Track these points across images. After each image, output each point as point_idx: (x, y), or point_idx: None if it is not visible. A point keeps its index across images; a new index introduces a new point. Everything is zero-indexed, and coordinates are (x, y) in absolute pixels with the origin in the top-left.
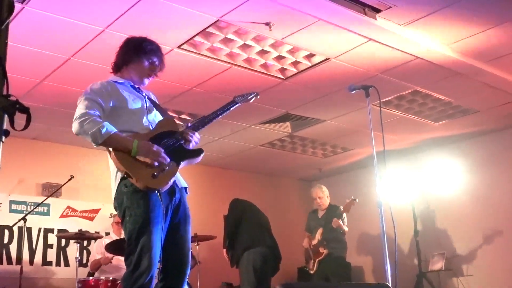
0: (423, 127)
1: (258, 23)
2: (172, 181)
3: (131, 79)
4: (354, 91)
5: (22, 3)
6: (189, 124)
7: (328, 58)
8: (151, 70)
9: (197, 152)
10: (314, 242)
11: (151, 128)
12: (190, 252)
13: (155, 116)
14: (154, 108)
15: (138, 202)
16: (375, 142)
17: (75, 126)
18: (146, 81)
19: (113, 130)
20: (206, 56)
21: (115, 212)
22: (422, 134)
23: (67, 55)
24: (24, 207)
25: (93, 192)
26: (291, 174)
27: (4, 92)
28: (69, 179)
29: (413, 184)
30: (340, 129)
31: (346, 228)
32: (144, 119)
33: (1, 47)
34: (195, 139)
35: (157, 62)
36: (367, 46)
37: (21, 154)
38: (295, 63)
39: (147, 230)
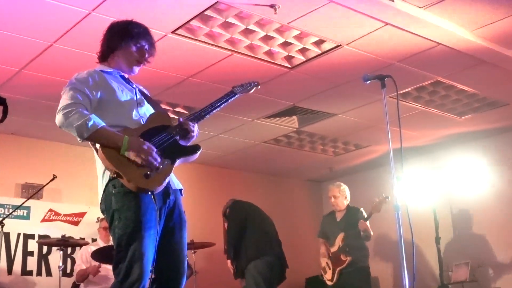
0: (445, 121)
1: (261, 5)
2: (166, 181)
3: (120, 68)
4: (369, 81)
5: None
6: (181, 119)
7: (340, 45)
8: (140, 55)
9: (194, 148)
10: (334, 249)
11: (142, 123)
12: (186, 261)
13: (147, 110)
14: (145, 101)
15: (129, 205)
16: (391, 139)
17: (58, 118)
18: (136, 69)
19: (101, 123)
20: (204, 42)
21: (102, 216)
22: (444, 130)
23: (49, 40)
24: (1, 210)
25: (78, 193)
26: (298, 174)
27: None
28: (52, 179)
29: (434, 185)
30: (352, 124)
31: (372, 232)
32: (135, 112)
33: None
34: (196, 131)
35: (146, 46)
36: (383, 31)
37: None
38: (303, 50)
39: (139, 236)
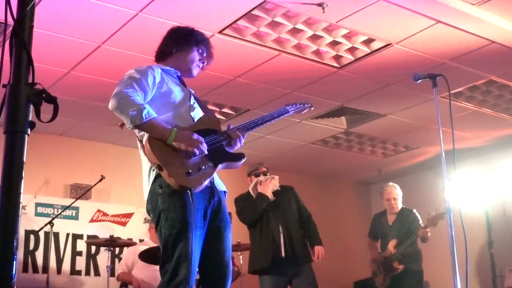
0: (499, 122)
1: (309, 4)
2: (206, 182)
3: (179, 68)
4: (420, 80)
5: None
6: (231, 126)
7: (390, 44)
8: (200, 60)
9: (238, 156)
10: (386, 254)
11: (193, 123)
12: (231, 262)
13: (198, 114)
14: (198, 106)
15: (175, 205)
16: (443, 140)
17: (112, 102)
18: (195, 71)
19: (154, 114)
20: (251, 42)
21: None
22: (498, 131)
23: (98, 42)
24: (50, 210)
25: (126, 194)
26: (347, 176)
27: (30, 80)
28: (100, 180)
29: (487, 188)
30: (402, 124)
31: (429, 234)
32: (186, 114)
33: (26, 31)
34: (242, 141)
35: (205, 54)
36: (434, 29)
37: (47, 151)
38: (351, 50)
39: (185, 236)
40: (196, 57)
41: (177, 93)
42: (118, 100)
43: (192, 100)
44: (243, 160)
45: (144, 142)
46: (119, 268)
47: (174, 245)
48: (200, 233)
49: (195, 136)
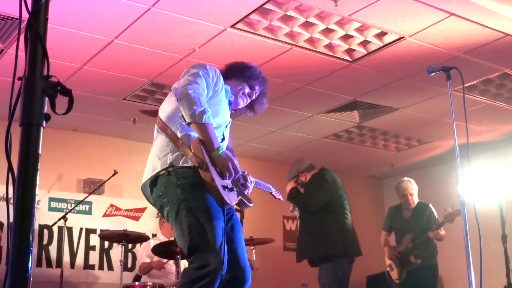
0: None
1: None
2: (233, 203)
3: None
4: (433, 73)
5: None
6: (245, 172)
7: (403, 37)
8: (248, 95)
9: (249, 200)
10: (401, 248)
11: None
12: (248, 266)
13: (227, 136)
14: (228, 134)
15: (198, 195)
16: (457, 134)
17: (184, 91)
18: (241, 103)
19: (211, 122)
20: (263, 36)
21: None
22: (511, 125)
23: (110, 37)
24: (64, 205)
25: (139, 189)
26: (359, 170)
27: (45, 73)
28: (113, 175)
29: (501, 182)
30: (416, 118)
31: (443, 232)
32: (221, 131)
33: (41, 24)
34: (250, 188)
35: (256, 91)
36: (448, 22)
37: (61, 146)
38: (364, 43)
39: (212, 224)
40: (246, 90)
41: (224, 111)
42: (190, 93)
43: (229, 126)
44: (248, 207)
45: (190, 142)
46: (140, 261)
47: (201, 233)
48: (223, 224)
49: (236, 164)
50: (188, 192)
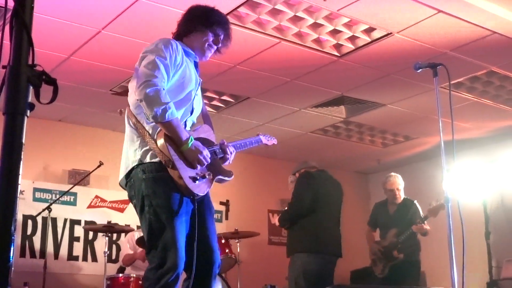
0: (499, 113)
1: None
2: (207, 190)
3: (194, 50)
4: (420, 70)
5: None
6: (224, 142)
7: (391, 33)
8: (214, 43)
9: (229, 173)
10: (385, 243)
11: (190, 115)
12: (217, 248)
13: (198, 103)
14: (200, 95)
15: (160, 191)
16: (443, 130)
17: (141, 92)
18: (209, 54)
19: (176, 115)
20: (252, 29)
21: None
22: (498, 122)
23: (98, 27)
24: (48, 196)
25: None
26: (346, 165)
27: (30, 62)
28: (98, 166)
29: (486, 179)
30: (402, 114)
31: (428, 227)
32: (189, 105)
33: (26, 12)
34: (232, 158)
35: (221, 36)
36: (435, 18)
37: (46, 137)
38: (352, 38)
39: (171, 223)
40: (210, 39)
41: (190, 81)
42: (147, 93)
43: (199, 90)
44: (231, 178)
45: (160, 138)
46: (123, 253)
47: (160, 231)
48: (185, 219)
49: (206, 152)
50: (152, 188)
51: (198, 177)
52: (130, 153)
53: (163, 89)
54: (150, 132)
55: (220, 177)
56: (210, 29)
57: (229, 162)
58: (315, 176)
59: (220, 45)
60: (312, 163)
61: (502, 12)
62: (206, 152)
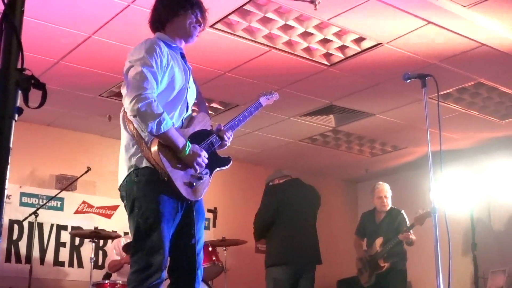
0: (486, 125)
1: (301, 0)
2: (205, 191)
3: (179, 36)
4: (409, 80)
5: None
6: (221, 126)
7: (380, 43)
8: (197, 23)
9: (227, 161)
10: (371, 252)
11: (186, 112)
12: (201, 253)
13: (192, 93)
14: (193, 83)
15: (150, 194)
16: (431, 141)
17: (133, 107)
18: (196, 34)
19: (170, 125)
20: (242, 37)
21: None
22: (485, 133)
23: (88, 32)
24: (35, 201)
25: (112, 186)
26: (334, 174)
27: (19, 66)
28: (86, 171)
29: (473, 190)
30: (391, 124)
31: (413, 237)
32: (183, 102)
33: (17, 15)
34: (229, 141)
35: (199, 15)
36: (425, 29)
37: (34, 141)
38: (342, 48)
39: (158, 227)
40: (194, 20)
41: (179, 77)
42: (140, 109)
43: (190, 81)
44: (230, 165)
45: (151, 144)
46: (110, 258)
47: (147, 234)
48: (174, 224)
49: (204, 154)
50: (142, 191)
51: (194, 182)
52: (126, 159)
53: (154, 100)
54: (146, 140)
55: (218, 169)
56: (191, 10)
57: (226, 147)
58: (277, 188)
59: (201, 24)
60: (284, 172)
61: (491, 24)
62: (204, 154)
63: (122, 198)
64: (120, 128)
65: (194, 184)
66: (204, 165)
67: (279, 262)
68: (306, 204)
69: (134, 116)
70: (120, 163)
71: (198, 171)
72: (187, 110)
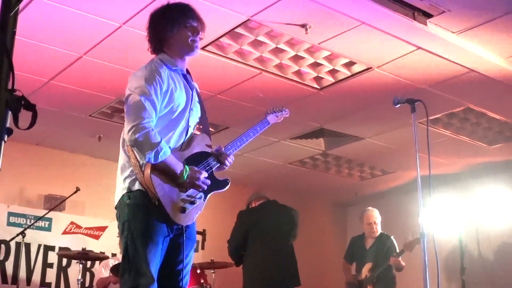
0: (475, 150)
1: (293, 24)
2: (197, 216)
3: (181, 51)
4: (399, 105)
5: None
6: (221, 148)
7: (370, 67)
8: (196, 34)
9: (225, 183)
10: (360, 277)
11: (186, 134)
12: (188, 276)
13: (196, 113)
14: (198, 103)
15: (140, 217)
16: (420, 165)
17: (131, 137)
18: (197, 47)
19: (168, 153)
20: (233, 59)
21: None
22: (473, 158)
23: (79, 52)
24: (23, 220)
25: (100, 207)
26: (323, 197)
27: (9, 87)
28: (74, 192)
29: (461, 215)
30: (380, 148)
31: (403, 263)
32: (183, 123)
33: (8, 36)
34: (230, 164)
35: (195, 23)
36: (415, 55)
37: (23, 161)
38: (332, 72)
39: (146, 249)
40: (192, 31)
41: (180, 100)
42: (137, 139)
43: (194, 101)
44: (228, 187)
45: (144, 168)
46: (98, 276)
47: (134, 257)
48: (162, 247)
49: (204, 175)
50: (133, 213)
51: (186, 206)
52: (121, 180)
53: (152, 129)
54: (141, 162)
55: (214, 192)
56: (183, 24)
57: (225, 169)
58: (248, 212)
59: (199, 33)
60: (262, 193)
61: (480, 50)
62: (204, 174)
63: (116, 218)
64: (118, 150)
65: (187, 209)
66: (204, 187)
67: (252, 287)
68: (280, 225)
69: (132, 146)
70: (117, 183)
71: (190, 191)
72: (187, 132)
